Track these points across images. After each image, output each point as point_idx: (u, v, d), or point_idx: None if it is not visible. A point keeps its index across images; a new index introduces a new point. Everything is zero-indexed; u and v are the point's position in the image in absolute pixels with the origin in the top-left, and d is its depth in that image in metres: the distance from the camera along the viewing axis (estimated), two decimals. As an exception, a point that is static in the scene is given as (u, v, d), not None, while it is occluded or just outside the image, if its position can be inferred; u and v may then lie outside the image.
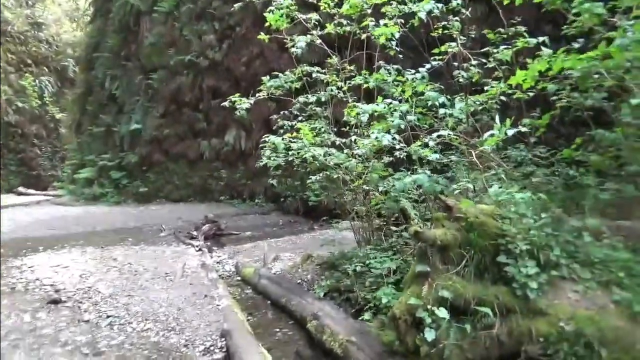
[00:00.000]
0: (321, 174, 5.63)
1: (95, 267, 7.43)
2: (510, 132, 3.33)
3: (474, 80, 4.41)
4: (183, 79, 17.81)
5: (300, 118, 6.19)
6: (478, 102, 4.16)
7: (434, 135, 3.62)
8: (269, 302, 5.90)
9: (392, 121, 3.63)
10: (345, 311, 4.75)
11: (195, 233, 10.70)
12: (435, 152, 3.76)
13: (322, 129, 5.50)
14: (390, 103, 3.75)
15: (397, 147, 3.88)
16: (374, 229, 5.88)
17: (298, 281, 6.33)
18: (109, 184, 19.63)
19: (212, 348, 4.32)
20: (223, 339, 4.40)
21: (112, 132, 20.41)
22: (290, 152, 5.43)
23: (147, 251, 8.88)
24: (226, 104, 5.88)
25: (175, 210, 16.31)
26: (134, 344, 4.44)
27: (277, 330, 4.95)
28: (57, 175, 31.12)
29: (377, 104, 3.71)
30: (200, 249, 8.91)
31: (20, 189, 29.17)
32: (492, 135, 3.36)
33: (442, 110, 3.85)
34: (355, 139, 4.78)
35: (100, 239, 10.86)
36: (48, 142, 33.79)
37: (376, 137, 3.54)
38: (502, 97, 4.28)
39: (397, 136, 3.60)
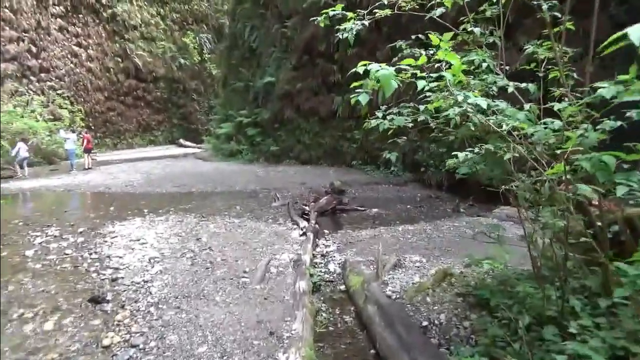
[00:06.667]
0: (480, 147, 2.88)
1: (172, 250, 6.03)
2: None
3: None
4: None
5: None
6: None
7: None
8: (372, 351, 3.60)
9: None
10: None
11: (307, 208, 8.78)
12: None
13: (484, 64, 2.70)
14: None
15: None
16: (579, 252, 2.88)
17: (424, 322, 3.85)
18: (245, 141, 19.29)
19: None
20: None
21: (249, 87, 19.82)
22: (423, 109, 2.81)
23: (244, 230, 7.27)
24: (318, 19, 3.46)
25: (302, 173, 14.85)
26: None
27: None
28: (211, 129, 33.20)
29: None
30: (304, 233, 6.94)
31: (181, 140, 32.04)
32: None
33: None
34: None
35: (210, 205, 9.82)
36: (206, 97, 36.10)
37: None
38: None
39: None
